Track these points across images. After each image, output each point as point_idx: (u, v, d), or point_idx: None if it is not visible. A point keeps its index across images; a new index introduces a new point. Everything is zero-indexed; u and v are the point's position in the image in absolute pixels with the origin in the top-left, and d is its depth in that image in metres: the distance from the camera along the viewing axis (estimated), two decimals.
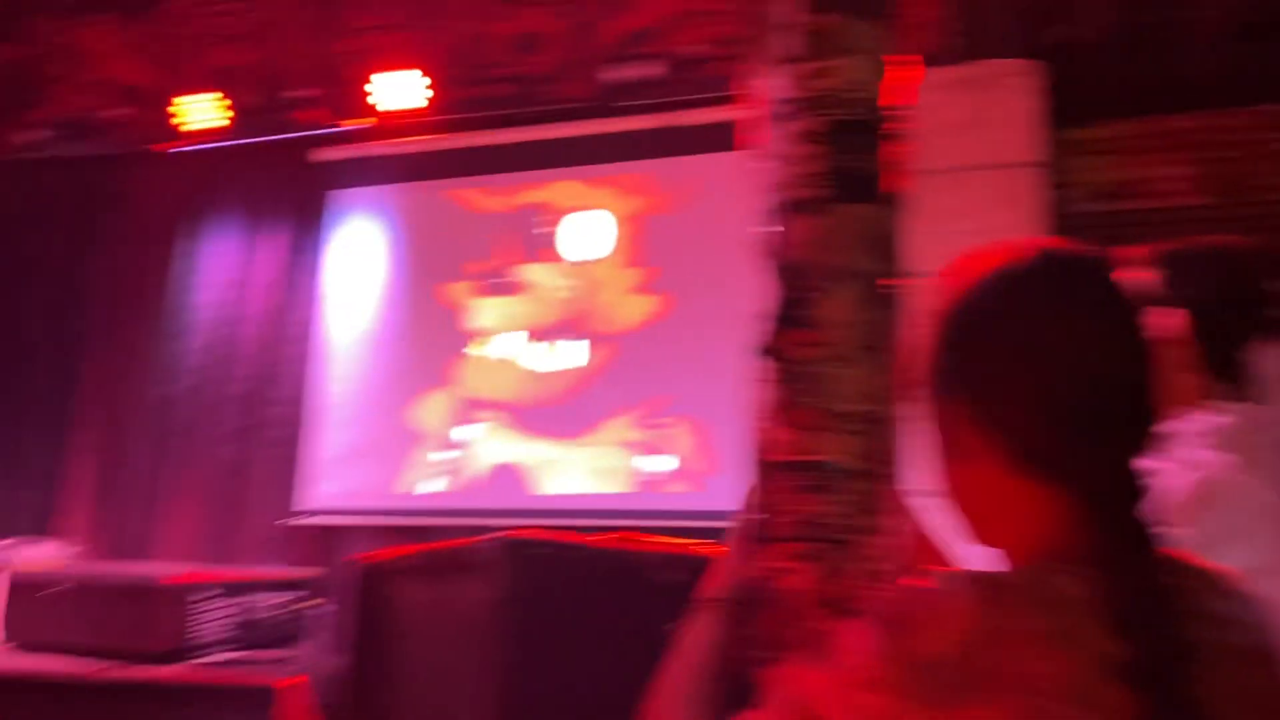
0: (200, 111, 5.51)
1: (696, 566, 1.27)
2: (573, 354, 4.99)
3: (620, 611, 1.22)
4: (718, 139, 4.90)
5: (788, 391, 1.09)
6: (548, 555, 1.21)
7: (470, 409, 5.07)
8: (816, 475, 1.08)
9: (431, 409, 5.13)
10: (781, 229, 1.17)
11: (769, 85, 1.27)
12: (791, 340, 1.09)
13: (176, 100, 5.61)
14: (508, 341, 5.10)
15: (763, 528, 1.12)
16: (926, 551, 1.46)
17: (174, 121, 5.63)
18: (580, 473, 4.87)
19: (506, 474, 4.96)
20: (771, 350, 1.11)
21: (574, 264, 5.10)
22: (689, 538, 1.57)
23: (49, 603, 2.93)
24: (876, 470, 1.11)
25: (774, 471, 1.10)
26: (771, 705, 0.93)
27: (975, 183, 4.39)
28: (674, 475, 4.70)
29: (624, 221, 5.07)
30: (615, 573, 1.23)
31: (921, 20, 4.49)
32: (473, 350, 5.13)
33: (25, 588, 3.11)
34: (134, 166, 5.91)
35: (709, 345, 4.66)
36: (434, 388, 5.13)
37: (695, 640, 1.10)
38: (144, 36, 6.10)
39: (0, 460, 5.69)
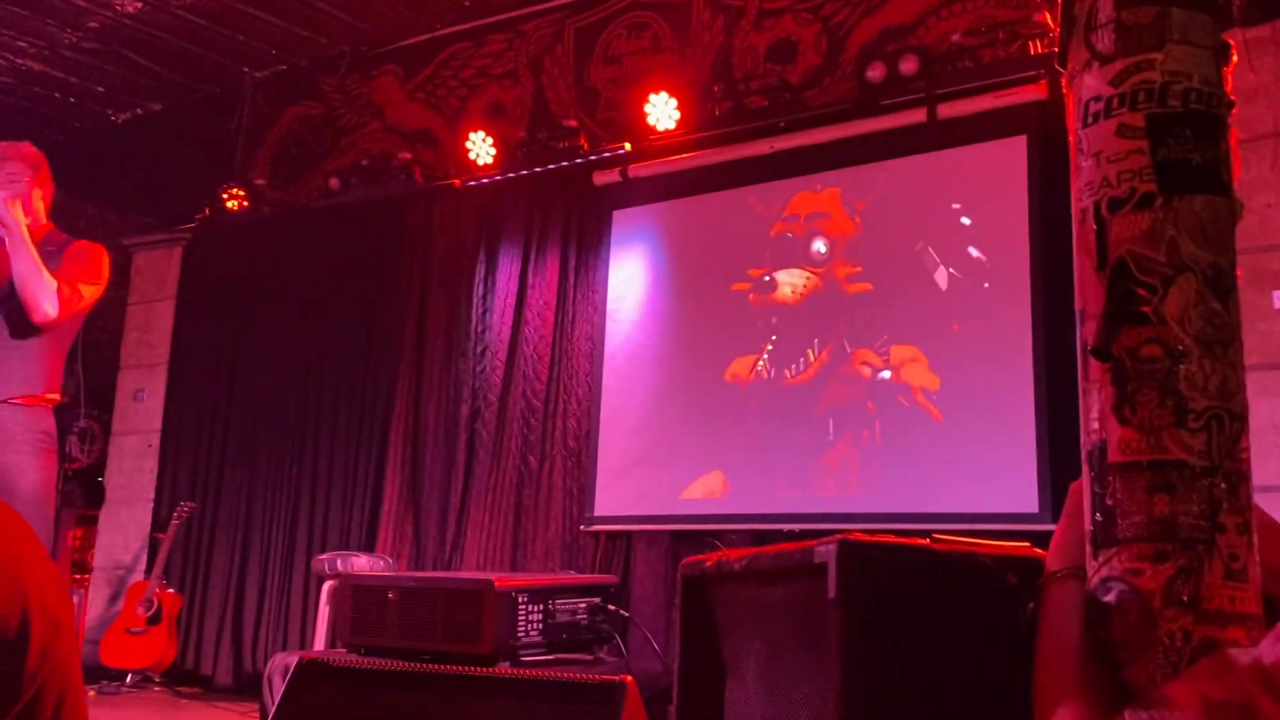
0: (479, 148, 5.92)
1: (1032, 568, 1.28)
2: (837, 359, 4.98)
3: (964, 614, 1.23)
4: (981, 130, 4.78)
5: (1125, 391, 1.07)
6: (886, 557, 1.24)
7: (747, 417, 5.16)
8: (1162, 475, 1.06)
9: (708, 416, 5.25)
10: (1103, 226, 1.15)
11: (1079, 83, 1.26)
12: (1128, 338, 1.07)
13: (458, 139, 6.05)
14: (770, 349, 5.15)
15: (1103, 530, 1.11)
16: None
17: (457, 159, 6.09)
18: (840, 479, 4.85)
19: (775, 481, 5.01)
20: (1104, 349, 1.10)
21: (837, 266, 5.08)
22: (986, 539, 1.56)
23: (385, 608, 3.24)
24: (1225, 467, 1.07)
25: (1114, 472, 1.09)
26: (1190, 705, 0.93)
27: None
28: (947, 478, 4.59)
29: (890, 220, 5.01)
30: (956, 575, 1.24)
31: None
32: (747, 357, 5.22)
33: (360, 594, 3.45)
34: (424, 204, 6.41)
35: (995, 346, 4.54)
36: (711, 395, 5.26)
37: (1058, 620, 1.11)
38: (424, 84, 6.62)
39: (329, 480, 6.33)
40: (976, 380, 4.62)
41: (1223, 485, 1.05)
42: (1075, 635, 1.11)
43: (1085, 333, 1.17)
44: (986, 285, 4.69)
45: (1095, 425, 1.14)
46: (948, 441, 4.63)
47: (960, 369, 4.67)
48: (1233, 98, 1.17)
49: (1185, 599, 1.02)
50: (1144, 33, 1.15)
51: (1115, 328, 1.11)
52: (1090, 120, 1.19)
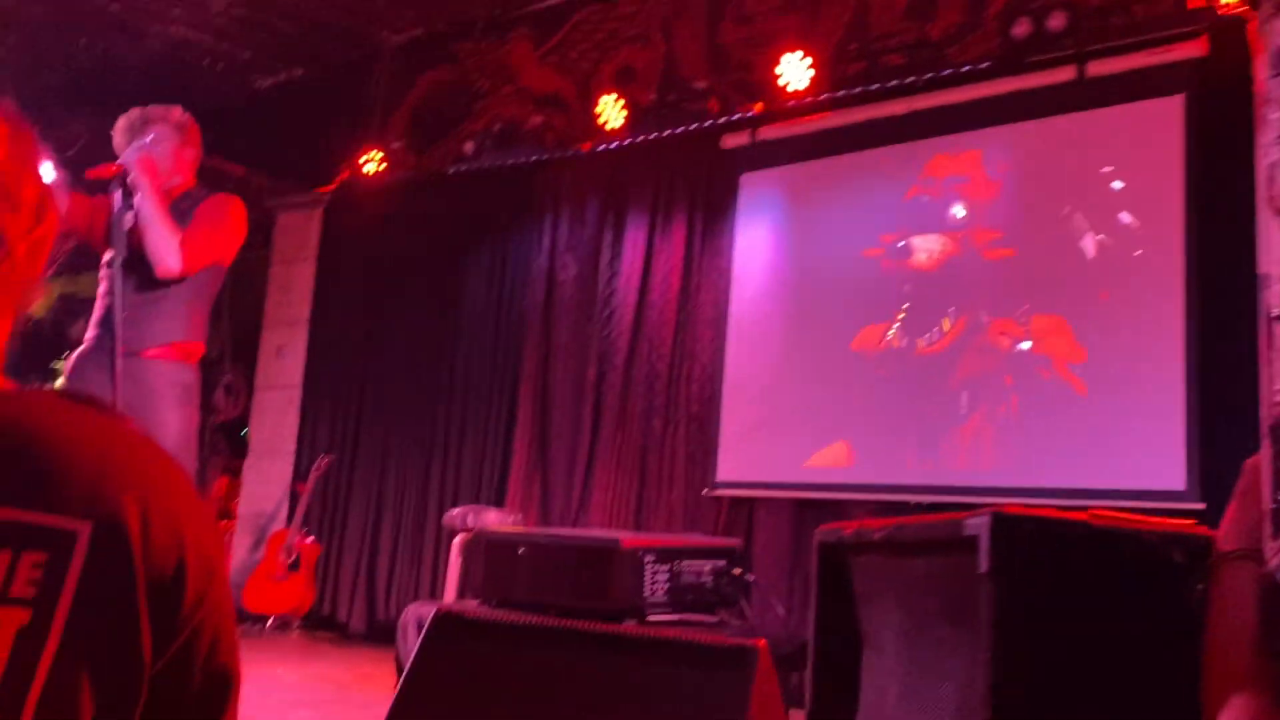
0: (610, 111, 5.91)
1: (1200, 547, 1.21)
2: (976, 328, 4.82)
3: (1126, 591, 1.17)
4: (1133, 89, 4.54)
5: None
6: (1041, 531, 1.19)
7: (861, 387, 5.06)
8: None
9: (835, 385, 5.17)
10: None
11: (1271, 28, 1.17)
12: None
13: (588, 103, 6.06)
14: (902, 317, 5.02)
15: None
16: None
17: (587, 123, 6.09)
18: (973, 453, 4.71)
19: (904, 452, 4.91)
20: None
21: (976, 231, 4.91)
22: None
23: (515, 562, 3.30)
24: None
25: None
26: None
27: None
28: (1088, 453, 4.41)
29: (1035, 184, 4.82)
30: (1117, 551, 1.18)
31: None
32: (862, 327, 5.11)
33: (494, 548, 3.52)
34: (554, 168, 6.45)
35: (1145, 317, 4.34)
36: (838, 364, 5.17)
37: (1231, 604, 1.04)
38: (556, 48, 6.64)
39: (461, 436, 6.50)
40: (1124, 352, 4.42)
41: None
42: (1250, 621, 1.04)
43: (1270, 298, 1.09)
44: (1138, 252, 4.47)
45: (1278, 397, 1.07)
46: (1090, 415, 4.45)
47: (1107, 340, 4.47)
48: None
49: None
50: None
51: None
52: None
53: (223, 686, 0.84)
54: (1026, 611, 1.18)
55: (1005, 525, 1.19)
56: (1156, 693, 1.17)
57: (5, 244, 0.83)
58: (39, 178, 0.89)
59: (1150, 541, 1.21)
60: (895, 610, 1.54)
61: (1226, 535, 1.18)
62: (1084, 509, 1.25)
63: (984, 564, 1.20)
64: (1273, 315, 1.11)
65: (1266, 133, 1.15)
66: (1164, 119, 4.48)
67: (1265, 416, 1.13)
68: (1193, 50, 4.36)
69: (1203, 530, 1.29)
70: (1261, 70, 1.19)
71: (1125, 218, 4.53)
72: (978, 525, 1.22)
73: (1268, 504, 1.09)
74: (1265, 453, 1.12)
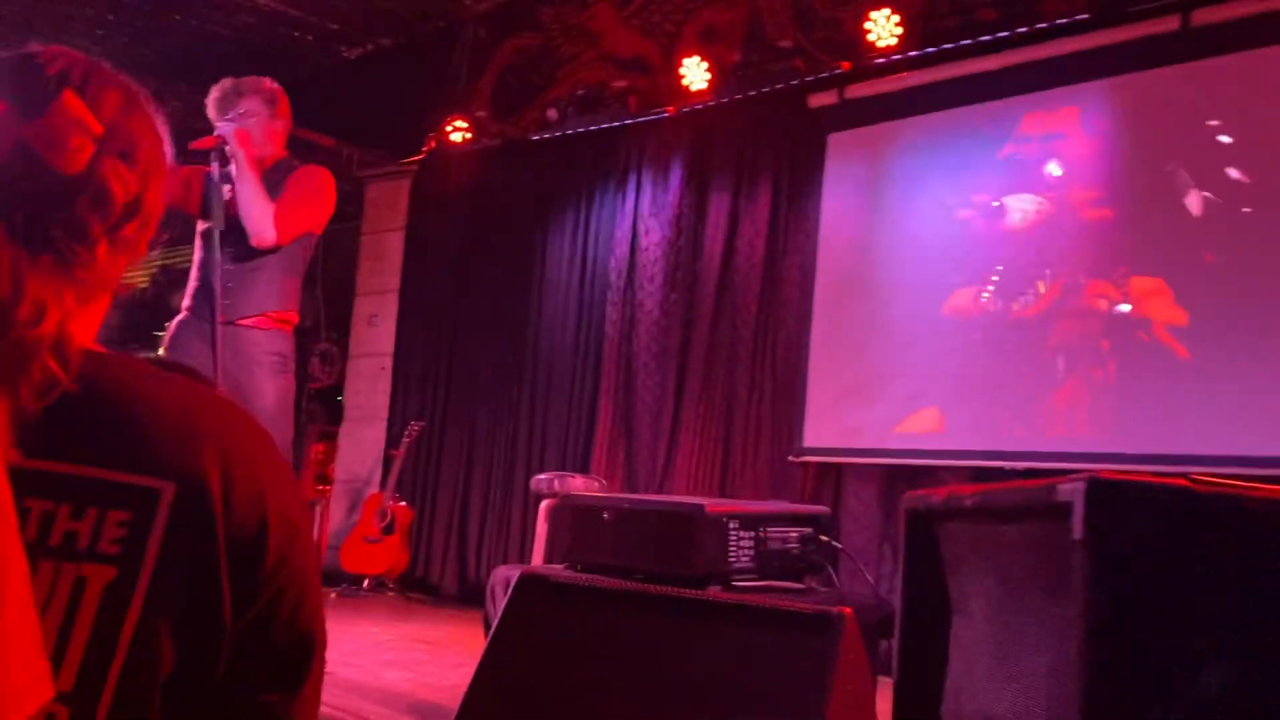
0: (694, 73, 5.85)
1: None
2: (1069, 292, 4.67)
3: (1230, 562, 1.12)
4: (1242, 38, 4.33)
5: None
6: (1138, 497, 1.14)
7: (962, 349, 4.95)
8: None
9: (926, 349, 5.07)
10: None
11: None
12: None
13: (672, 66, 6.00)
14: (996, 280, 4.88)
15: None
16: None
17: (671, 86, 6.04)
18: (1069, 419, 4.58)
19: (998, 418, 4.80)
20: None
21: (1073, 191, 4.75)
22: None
23: (600, 528, 3.32)
24: None
25: None
26: None
27: None
28: (1193, 419, 4.25)
29: (1136, 140, 4.63)
30: (1220, 519, 1.13)
31: None
32: (964, 290, 4.99)
33: (580, 513, 3.54)
34: (639, 133, 6.42)
35: (1254, 278, 4.16)
36: (929, 328, 5.07)
37: None
38: (639, 10, 6.58)
39: (547, 403, 6.56)
40: (1229, 314, 4.24)
41: None
42: None
43: None
44: (1247, 210, 4.27)
45: None
46: (1195, 379, 4.29)
47: (1212, 302, 4.29)
48: None
49: None
50: None
51: None
52: None
53: (305, 649, 0.85)
54: (1123, 581, 1.14)
55: (1100, 490, 1.15)
56: (1260, 671, 1.11)
57: (117, 203, 0.84)
58: (155, 139, 0.91)
59: (1256, 509, 1.15)
60: (986, 578, 1.51)
61: None
62: (1185, 476, 1.20)
63: (1078, 531, 1.16)
64: None
65: None
66: (1275, 68, 4.26)
67: None
68: None
69: None
70: None
71: (1233, 173, 4.33)
72: (1072, 491, 1.18)
73: None
74: None
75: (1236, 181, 4.31)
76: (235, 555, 0.78)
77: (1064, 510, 1.19)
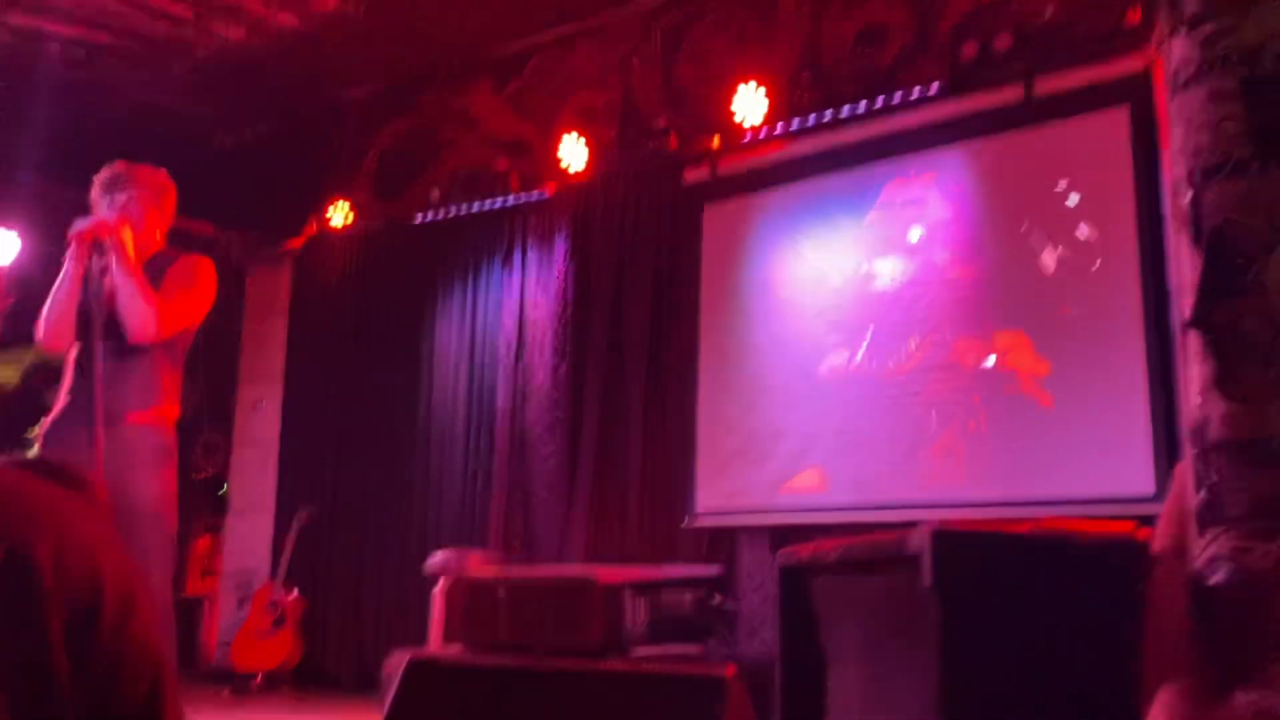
0: (572, 152, 5.98)
1: (1137, 550, 1.25)
2: (936, 350, 4.89)
3: (1067, 598, 1.21)
4: (1081, 104, 4.65)
5: (1227, 365, 1.04)
6: (981, 543, 1.23)
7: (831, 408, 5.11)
8: (1268, 450, 1.02)
9: (807, 409, 5.22)
10: (1198, 195, 1.12)
11: (1167, 50, 1.23)
12: (1228, 311, 1.04)
13: (551, 145, 6.13)
14: (869, 340, 5.08)
15: (1209, 508, 1.08)
16: None
17: (551, 165, 6.16)
18: (946, 469, 4.76)
19: (878, 473, 4.95)
20: (1204, 322, 1.07)
21: (935, 253, 4.99)
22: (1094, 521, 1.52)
23: (496, 604, 3.31)
24: None
25: (1218, 449, 1.05)
26: None
27: None
28: (1059, 463, 4.47)
29: (991, 202, 4.90)
30: (1056, 559, 1.22)
31: None
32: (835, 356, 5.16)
33: (474, 591, 3.53)
34: (521, 211, 6.50)
35: (1106, 328, 4.42)
36: (809, 389, 5.22)
37: (1164, 601, 1.09)
38: (517, 93, 6.72)
39: (440, 479, 6.50)
40: (1088, 363, 4.49)
41: None
42: (1182, 617, 1.09)
43: (1183, 306, 1.14)
44: (1096, 265, 4.55)
45: (1197, 401, 1.11)
46: (1059, 426, 4.51)
47: (1071, 352, 4.54)
48: None
49: None
50: None
51: (1215, 300, 1.08)
52: (1181, 87, 1.16)
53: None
54: (972, 623, 1.22)
55: (945, 540, 1.23)
56: (1101, 695, 1.20)
57: None
58: None
59: (1088, 548, 1.25)
60: (854, 629, 1.58)
61: (1160, 536, 1.22)
62: (1052, 518, 1.29)
63: (927, 578, 1.24)
64: (1187, 322, 1.16)
65: (1170, 147, 1.20)
66: (1112, 131, 4.58)
67: (1186, 420, 1.18)
68: (1134, 64, 4.46)
69: (1140, 533, 1.34)
70: (1163, 89, 1.25)
71: (1083, 231, 4.61)
72: (919, 541, 1.26)
73: (1192, 504, 1.13)
74: (1188, 456, 1.16)
75: (1086, 238, 4.59)
76: (70, 622, 0.81)
77: (914, 560, 1.27)
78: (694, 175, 5.73)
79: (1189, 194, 1.15)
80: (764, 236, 5.56)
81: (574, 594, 2.91)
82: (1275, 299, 1.03)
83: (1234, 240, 1.06)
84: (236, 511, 7.49)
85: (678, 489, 5.58)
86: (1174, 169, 1.19)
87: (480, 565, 5.38)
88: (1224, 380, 1.07)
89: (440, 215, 6.72)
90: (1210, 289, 1.08)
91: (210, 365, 7.42)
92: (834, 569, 1.58)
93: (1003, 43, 4.80)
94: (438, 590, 5.20)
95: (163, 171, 3.51)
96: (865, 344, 5.09)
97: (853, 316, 5.15)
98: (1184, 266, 1.17)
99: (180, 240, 3.79)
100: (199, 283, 3.44)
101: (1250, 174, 1.09)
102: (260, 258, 7.66)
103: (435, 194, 6.73)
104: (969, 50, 4.88)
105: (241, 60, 6.71)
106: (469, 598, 3.40)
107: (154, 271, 3.36)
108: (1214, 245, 1.08)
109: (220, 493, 7.68)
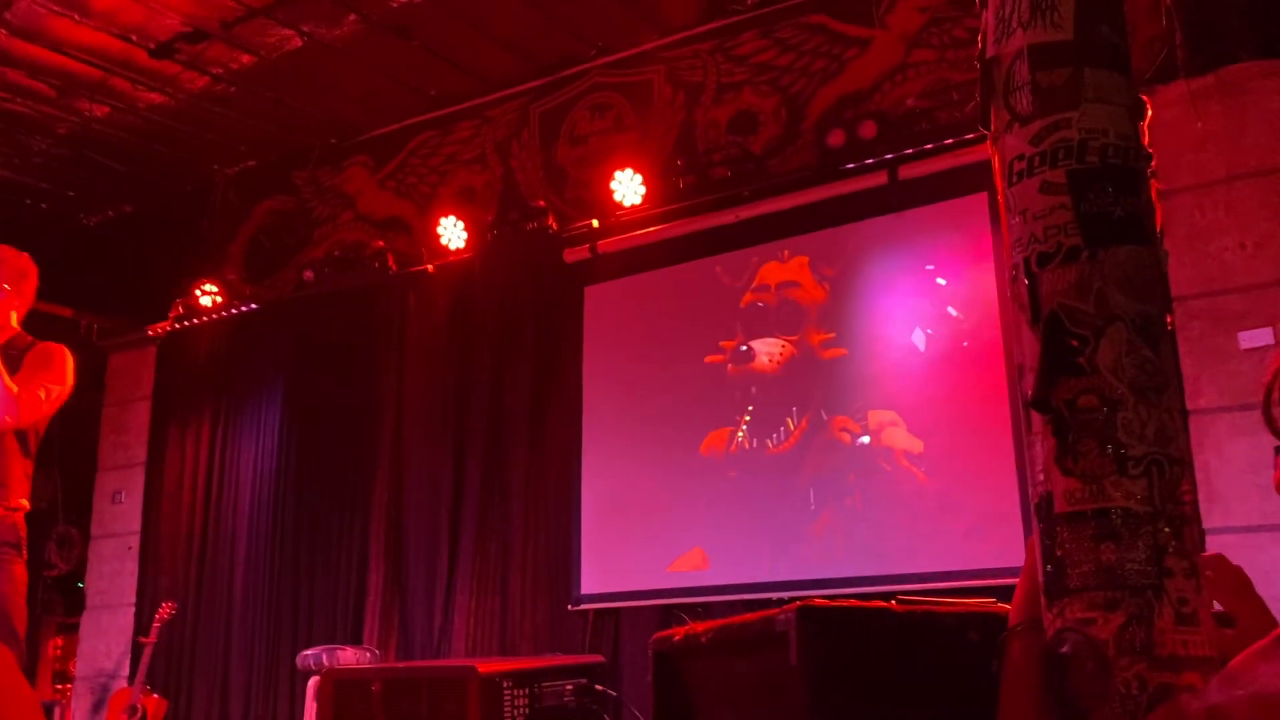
0: (451, 232, 5.97)
1: (996, 624, 1.27)
2: (813, 427, 4.98)
3: (931, 673, 1.23)
4: (942, 189, 4.86)
5: (1067, 441, 1.08)
6: (845, 621, 1.24)
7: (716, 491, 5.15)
8: (1107, 523, 1.06)
9: (688, 489, 5.23)
10: (1034, 281, 1.17)
11: (1002, 144, 1.30)
12: (1065, 390, 1.09)
13: (429, 225, 6.10)
14: (748, 420, 5.15)
15: (1055, 580, 1.11)
16: (1239, 590, 1.39)
17: (429, 245, 6.13)
18: (826, 546, 4.83)
19: (760, 551, 4.99)
20: (1043, 401, 1.11)
21: (810, 334, 5.11)
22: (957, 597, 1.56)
23: (369, 701, 3.19)
24: (1169, 512, 1.08)
25: (1061, 522, 1.09)
26: None
27: (1238, 194, 4.12)
28: (935, 538, 4.58)
29: (862, 284, 5.06)
30: (920, 635, 1.24)
31: (1143, 40, 4.32)
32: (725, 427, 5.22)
33: (345, 688, 3.39)
34: (398, 291, 6.42)
35: (976, 403, 4.57)
36: (689, 469, 5.25)
37: (1018, 674, 1.11)
38: (394, 173, 6.70)
39: (311, 573, 6.26)
40: (960, 439, 4.62)
41: (1166, 530, 1.06)
42: (1035, 688, 1.11)
43: (1025, 386, 1.18)
44: (965, 344, 4.71)
45: (1040, 477, 1.15)
46: (934, 501, 4.62)
47: (942, 429, 4.67)
48: (1150, 150, 1.20)
49: (1138, 646, 1.02)
50: (1059, 93, 1.19)
51: (1052, 380, 1.13)
52: (1015, 179, 1.22)
53: None
54: (838, 701, 1.22)
55: (810, 618, 1.24)
56: None
57: None
58: None
59: (948, 623, 1.27)
60: (728, 712, 1.57)
61: (1015, 609, 1.25)
62: (929, 593, 1.31)
63: (794, 657, 1.24)
64: (1028, 401, 1.20)
65: (1008, 236, 1.26)
66: (972, 215, 4.79)
67: (1032, 495, 1.22)
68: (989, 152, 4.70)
69: (999, 608, 1.36)
70: (999, 181, 1.31)
71: (952, 311, 4.78)
72: (786, 620, 1.26)
73: (1041, 577, 1.16)
74: (1035, 530, 1.20)
75: (954, 318, 4.76)
76: None
77: (783, 639, 1.27)
78: (574, 255, 5.77)
79: (1026, 280, 1.21)
80: (644, 316, 5.62)
81: (451, 687, 2.83)
82: (1108, 378, 1.08)
83: (1067, 324, 1.11)
84: (93, 608, 7.07)
85: (562, 573, 5.50)
86: (1012, 255, 1.25)
87: (353, 659, 5.19)
88: (1064, 456, 1.11)
89: (314, 295, 6.59)
90: (1049, 370, 1.13)
91: (67, 455, 7.05)
92: (706, 652, 1.57)
93: (867, 131, 5.00)
94: (310, 687, 4.98)
95: (25, 255, 3.40)
96: (746, 423, 5.16)
97: (732, 396, 5.22)
98: (1025, 348, 1.22)
99: (38, 323, 3.65)
100: (58, 369, 3.31)
101: (1080, 261, 1.15)
102: (123, 341, 7.37)
103: (308, 274, 6.61)
104: (836, 138, 5.07)
105: (106, 138, 6.54)
106: (339, 695, 3.27)
107: (11, 357, 3.22)
108: (1050, 328, 1.13)
109: (78, 586, 7.25)
